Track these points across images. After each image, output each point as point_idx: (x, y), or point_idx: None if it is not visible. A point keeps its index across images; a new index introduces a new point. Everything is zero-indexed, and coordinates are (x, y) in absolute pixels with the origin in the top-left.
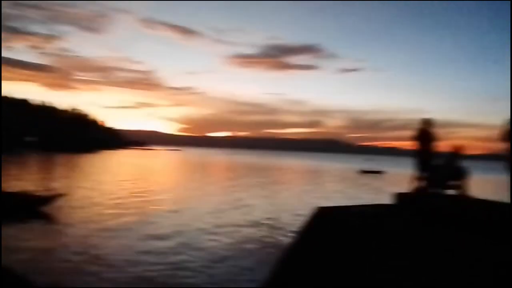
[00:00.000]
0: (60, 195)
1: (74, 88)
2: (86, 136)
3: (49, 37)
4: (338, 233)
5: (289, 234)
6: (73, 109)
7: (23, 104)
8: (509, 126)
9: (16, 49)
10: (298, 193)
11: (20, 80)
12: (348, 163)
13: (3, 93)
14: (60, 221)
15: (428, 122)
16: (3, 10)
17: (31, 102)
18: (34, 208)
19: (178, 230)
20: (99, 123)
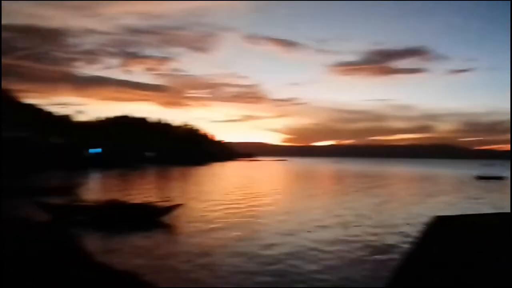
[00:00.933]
0: (178, 206)
1: (186, 105)
2: (198, 149)
3: (163, 59)
4: (456, 244)
5: (402, 245)
6: (186, 125)
7: (142, 122)
8: None
9: (135, 73)
10: (409, 201)
11: (139, 100)
12: (463, 169)
13: (126, 113)
14: (177, 230)
15: None
16: (124, 38)
17: (149, 120)
18: (155, 218)
19: (284, 238)
20: (210, 137)
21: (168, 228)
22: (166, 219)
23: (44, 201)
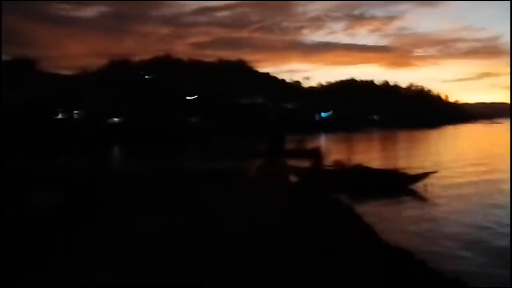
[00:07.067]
0: (429, 173)
1: (412, 65)
2: (427, 111)
3: (388, 18)
4: None
5: None
6: (413, 86)
7: (368, 85)
8: None
9: (359, 35)
10: None
11: (364, 62)
12: None
13: (351, 76)
14: (433, 200)
15: None
16: (348, 1)
17: (375, 82)
18: (405, 185)
19: None
20: (441, 98)
21: (421, 197)
22: (417, 187)
23: (290, 164)
